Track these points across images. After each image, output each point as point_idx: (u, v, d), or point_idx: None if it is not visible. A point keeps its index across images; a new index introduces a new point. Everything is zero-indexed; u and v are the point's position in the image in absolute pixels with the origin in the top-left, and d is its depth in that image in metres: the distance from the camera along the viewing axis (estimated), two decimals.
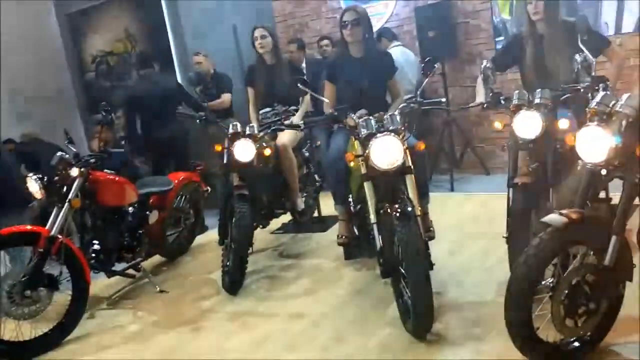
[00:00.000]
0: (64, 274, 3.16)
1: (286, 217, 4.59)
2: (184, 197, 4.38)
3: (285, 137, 4.08)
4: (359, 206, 3.36)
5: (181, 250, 4.45)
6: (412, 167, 2.78)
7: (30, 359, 3.01)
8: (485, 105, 3.11)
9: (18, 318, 3.02)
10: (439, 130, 5.77)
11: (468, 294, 2.98)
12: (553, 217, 2.09)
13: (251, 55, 5.25)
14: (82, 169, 3.30)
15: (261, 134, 3.88)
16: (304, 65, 5.70)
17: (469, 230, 3.98)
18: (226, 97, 5.70)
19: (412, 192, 2.75)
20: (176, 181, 4.21)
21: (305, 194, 4.48)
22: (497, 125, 3.03)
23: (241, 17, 6.40)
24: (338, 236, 3.55)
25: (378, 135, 2.70)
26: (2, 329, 3.02)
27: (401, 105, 2.92)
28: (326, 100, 3.22)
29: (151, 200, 4.00)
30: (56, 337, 3.12)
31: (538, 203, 2.85)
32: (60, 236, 3.10)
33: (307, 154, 4.55)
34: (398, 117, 2.79)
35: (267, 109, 4.33)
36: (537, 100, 2.79)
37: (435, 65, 2.94)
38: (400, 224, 2.50)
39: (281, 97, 4.29)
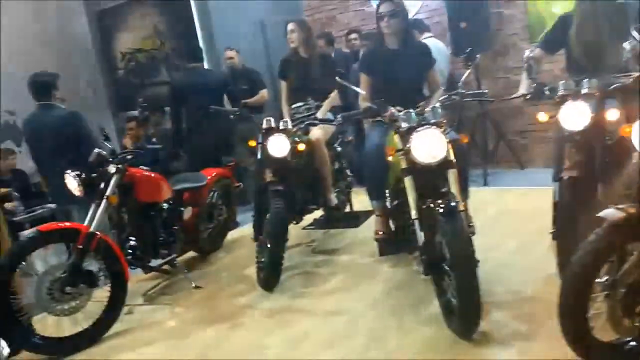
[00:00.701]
0: (102, 270, 3.18)
1: (317, 213, 4.55)
2: (216, 193, 4.37)
3: (319, 132, 4.03)
4: (395, 201, 3.30)
5: (214, 246, 4.44)
6: (454, 161, 2.71)
7: (70, 355, 3.02)
8: (528, 97, 3.02)
9: (58, 314, 3.04)
10: (471, 123, 5.66)
11: (512, 291, 2.90)
12: (610, 212, 2.00)
13: (278, 51, 5.24)
14: (120, 166, 3.30)
15: (295, 128, 3.85)
16: None
17: (507, 226, 3.88)
18: (264, 93, 5.71)
19: (454, 187, 2.67)
20: (209, 177, 4.20)
21: (337, 189, 4.43)
22: (542, 117, 2.93)
23: (269, 13, 6.38)
24: (375, 232, 3.48)
25: (419, 128, 2.64)
26: (42, 325, 3.05)
27: (442, 97, 2.85)
28: (362, 92, 3.16)
29: (185, 196, 3.99)
30: (95, 333, 3.13)
31: (586, 197, 2.75)
32: (98, 233, 3.11)
33: (339, 149, 4.50)
34: (440, 110, 2.72)
35: (300, 104, 4.29)
36: (584, 91, 2.69)
37: (477, 55, 2.85)
38: (445, 220, 2.43)
39: (314, 91, 4.24)
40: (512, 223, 3.92)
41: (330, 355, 2.60)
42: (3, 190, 5.23)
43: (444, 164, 2.66)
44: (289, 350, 2.72)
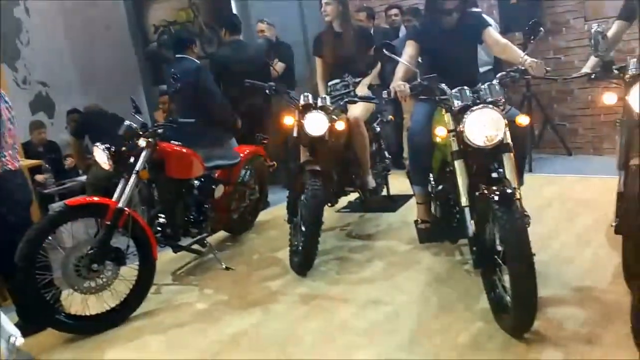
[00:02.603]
0: (131, 248, 3.05)
1: (352, 196, 4.35)
2: (249, 171, 4.21)
3: (358, 110, 3.81)
4: (440, 186, 3.07)
5: (245, 227, 4.30)
6: (511, 144, 2.47)
7: (97, 334, 2.91)
8: (593, 76, 2.75)
9: (84, 292, 2.94)
10: (516, 105, 5.34)
11: (569, 287, 2.66)
12: None
13: (315, 26, 5.01)
14: (150, 140, 3.15)
15: (332, 106, 3.64)
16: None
17: (559, 216, 3.62)
18: (279, 66, 5.45)
19: (510, 173, 2.45)
20: (242, 155, 4.03)
21: (374, 172, 4.21)
22: (609, 98, 2.66)
23: None
24: (417, 222, 3.27)
25: (474, 107, 2.41)
26: (68, 303, 2.95)
27: (500, 75, 2.60)
28: (404, 62, 2.87)
29: (217, 174, 3.84)
30: (122, 312, 3.02)
31: None
32: (127, 209, 2.98)
33: (377, 129, 4.28)
34: (497, 87, 2.48)
35: (336, 81, 4.08)
36: None
37: (541, 29, 2.58)
38: (501, 209, 2.21)
39: (350, 67, 4.02)
40: (565, 213, 3.66)
41: (372, 349, 2.42)
42: (35, 161, 5.18)
43: (500, 147, 2.44)
44: (326, 340, 2.55)
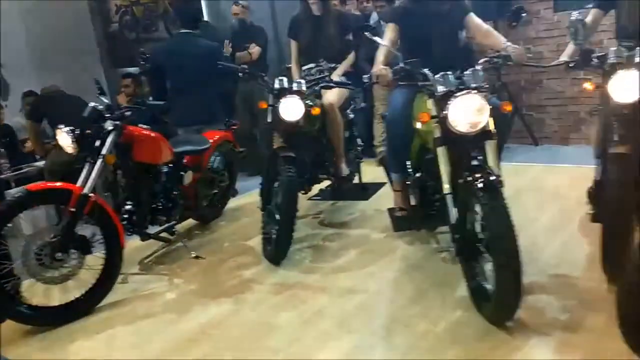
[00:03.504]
0: (97, 235, 2.91)
1: (323, 183, 4.28)
2: (218, 157, 4.08)
3: (333, 96, 3.73)
4: (418, 174, 3.04)
5: (215, 214, 4.18)
6: (493, 131, 2.44)
7: (60, 325, 2.76)
8: (572, 64, 2.75)
9: (47, 282, 2.78)
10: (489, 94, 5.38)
11: (545, 275, 2.67)
12: None
13: (287, 6, 4.89)
14: (117, 122, 2.99)
15: (308, 91, 3.55)
16: None
17: (531, 204, 3.65)
18: (255, 50, 5.32)
19: (492, 160, 2.42)
20: (212, 140, 3.90)
21: (346, 159, 4.15)
22: (589, 87, 2.66)
23: None
24: (394, 209, 3.22)
25: (458, 93, 2.36)
26: (30, 294, 2.79)
27: (482, 60, 2.56)
28: (385, 44, 2.82)
29: (186, 160, 3.70)
30: (88, 303, 2.88)
31: (635, 176, 2.51)
32: (93, 195, 2.83)
33: (351, 116, 4.21)
34: (481, 73, 2.44)
35: (311, 65, 3.99)
36: (638, 59, 2.43)
37: (523, 14, 2.56)
38: (486, 196, 2.18)
39: (327, 52, 3.94)
40: (535, 202, 3.69)
41: (348, 339, 2.36)
42: None
43: (483, 134, 2.41)
44: (300, 330, 2.48)
